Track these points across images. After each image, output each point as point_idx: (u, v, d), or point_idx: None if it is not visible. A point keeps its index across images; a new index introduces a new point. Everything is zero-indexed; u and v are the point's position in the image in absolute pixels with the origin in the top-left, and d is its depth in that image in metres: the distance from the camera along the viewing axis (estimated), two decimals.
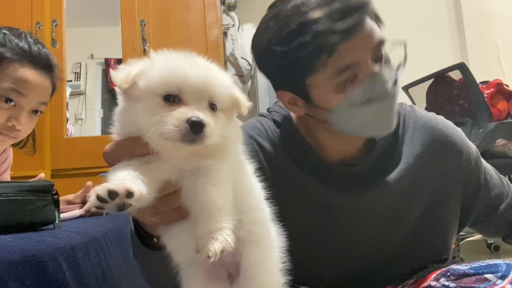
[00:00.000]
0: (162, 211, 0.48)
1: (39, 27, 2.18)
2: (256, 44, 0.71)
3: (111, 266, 0.83)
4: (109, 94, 3.14)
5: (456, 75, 2.44)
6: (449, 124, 0.82)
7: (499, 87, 2.44)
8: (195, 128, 0.42)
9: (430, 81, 2.62)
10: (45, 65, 0.93)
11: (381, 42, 0.67)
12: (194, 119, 0.42)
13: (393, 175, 0.75)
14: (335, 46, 0.62)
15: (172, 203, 0.48)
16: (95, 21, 2.97)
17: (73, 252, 0.65)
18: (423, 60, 3.11)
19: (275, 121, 0.79)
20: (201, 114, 0.43)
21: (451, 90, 2.52)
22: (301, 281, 0.79)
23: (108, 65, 3.15)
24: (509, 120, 2.40)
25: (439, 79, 2.58)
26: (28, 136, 1.06)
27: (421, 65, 2.90)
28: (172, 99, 0.44)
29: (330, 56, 0.62)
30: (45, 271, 0.54)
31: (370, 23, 0.66)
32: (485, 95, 2.39)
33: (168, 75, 0.45)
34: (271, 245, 0.52)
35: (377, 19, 0.69)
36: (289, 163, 0.75)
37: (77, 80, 3.08)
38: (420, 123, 0.79)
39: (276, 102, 0.83)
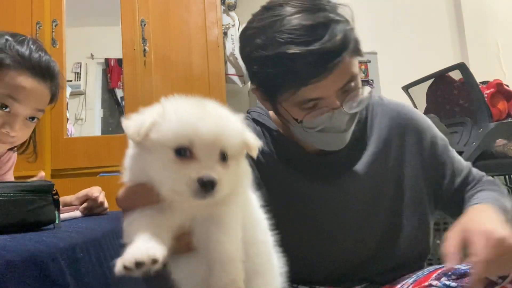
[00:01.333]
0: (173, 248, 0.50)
1: (39, 27, 2.18)
2: (241, 45, 0.75)
3: (111, 266, 0.83)
4: (109, 94, 3.14)
5: (456, 75, 2.44)
6: (416, 111, 0.88)
7: (499, 87, 2.44)
8: (206, 188, 0.43)
9: (430, 81, 2.62)
10: (45, 73, 0.93)
11: (351, 79, 0.69)
12: (205, 179, 0.43)
13: (364, 160, 0.80)
14: (303, 85, 0.65)
15: (183, 243, 0.50)
16: (95, 21, 2.97)
17: (73, 252, 0.65)
18: (423, 60, 3.11)
19: (254, 120, 0.84)
20: (213, 172, 0.44)
21: (451, 90, 2.52)
22: (293, 278, 0.80)
23: (108, 65, 3.15)
24: (509, 120, 2.40)
25: (439, 79, 2.58)
26: (29, 142, 1.05)
27: (421, 65, 2.91)
28: (183, 152, 0.45)
29: (298, 90, 0.66)
30: (45, 271, 0.54)
31: (346, 62, 0.67)
32: (485, 95, 2.39)
33: (179, 129, 0.46)
34: (274, 274, 0.55)
35: (358, 53, 0.70)
36: (270, 157, 0.80)
37: (77, 80, 3.07)
38: (387, 110, 0.84)
39: (254, 107, 0.90)
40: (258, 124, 0.84)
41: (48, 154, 2.09)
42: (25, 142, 1.03)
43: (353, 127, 0.75)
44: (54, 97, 1.01)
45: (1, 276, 0.46)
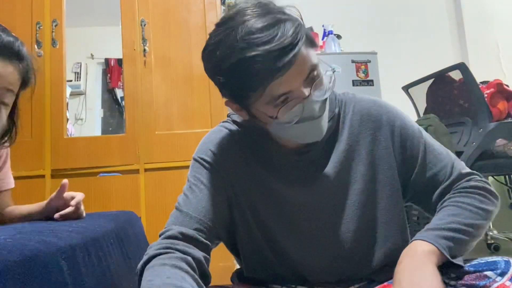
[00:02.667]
0: None
1: (39, 27, 2.18)
2: (204, 63, 0.79)
3: (111, 266, 0.83)
4: (109, 94, 3.14)
5: (456, 75, 2.44)
6: (388, 105, 0.90)
7: (499, 87, 2.44)
8: None
9: (430, 81, 2.62)
10: (7, 53, 0.91)
11: (313, 68, 0.73)
12: None
13: (335, 157, 0.83)
14: (269, 82, 0.68)
15: None
16: (95, 21, 2.97)
17: (73, 252, 0.65)
18: (423, 60, 3.11)
19: (234, 122, 0.88)
20: None
21: (451, 90, 2.52)
22: (290, 279, 0.82)
23: (108, 65, 3.15)
24: (509, 120, 2.40)
25: (439, 79, 2.58)
26: (11, 130, 1.00)
27: (421, 65, 2.91)
28: None
29: (265, 89, 0.69)
30: (45, 271, 0.54)
31: (303, 53, 0.70)
32: (485, 95, 2.39)
33: None
34: None
35: (312, 45, 0.74)
36: (250, 159, 0.83)
37: (77, 80, 3.08)
38: (358, 107, 0.87)
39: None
40: (237, 125, 0.88)
41: (48, 154, 2.09)
42: (7, 132, 0.98)
43: (326, 113, 0.78)
44: (26, 80, 0.98)
45: (1, 276, 0.45)
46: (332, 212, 0.82)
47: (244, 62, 0.68)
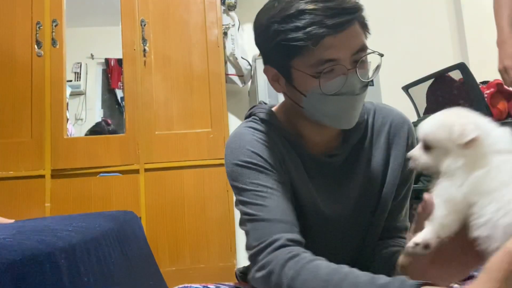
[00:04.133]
0: None
1: (39, 27, 2.18)
2: (258, 20, 0.79)
3: (110, 266, 0.83)
4: (109, 94, 3.14)
5: (456, 75, 2.44)
6: (403, 116, 0.93)
7: (499, 87, 2.44)
8: None
9: (430, 81, 2.62)
10: None
11: (362, 48, 0.74)
12: None
13: (363, 166, 0.85)
14: (321, 39, 0.69)
15: None
16: (95, 21, 2.97)
17: (73, 252, 0.65)
18: (423, 60, 3.11)
19: (262, 120, 0.85)
20: None
21: (451, 90, 2.52)
22: None
23: (108, 65, 3.15)
24: (509, 120, 2.40)
25: (439, 79, 2.58)
26: None
27: (421, 65, 2.91)
28: None
29: (315, 46, 0.70)
30: (44, 270, 0.54)
31: (357, 28, 0.73)
32: (485, 95, 2.39)
33: None
34: None
35: (365, 29, 0.76)
36: (286, 159, 0.82)
37: (77, 80, 3.07)
38: (388, 117, 0.90)
39: (257, 105, 0.91)
40: (266, 124, 0.84)
41: (48, 154, 2.09)
42: None
43: (362, 103, 0.79)
44: None
45: (1, 275, 0.46)
46: (347, 216, 0.84)
47: (302, 13, 0.69)
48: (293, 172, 0.81)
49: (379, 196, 0.85)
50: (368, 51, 0.76)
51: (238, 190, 0.77)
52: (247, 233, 0.74)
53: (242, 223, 0.76)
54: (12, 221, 1.12)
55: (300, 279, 0.61)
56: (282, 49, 0.74)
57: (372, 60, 0.79)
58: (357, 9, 0.72)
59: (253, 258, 0.70)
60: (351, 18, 0.70)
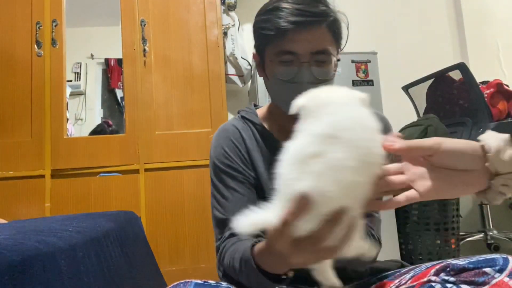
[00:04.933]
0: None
1: (39, 27, 2.18)
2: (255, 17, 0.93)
3: (111, 266, 0.83)
4: (109, 94, 3.14)
5: (456, 75, 2.45)
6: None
7: (499, 87, 2.44)
8: None
9: (430, 81, 2.62)
10: None
11: (323, 51, 0.85)
12: None
13: None
14: (284, 32, 0.82)
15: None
16: (95, 21, 2.97)
17: (73, 252, 0.65)
18: (423, 60, 3.11)
19: (242, 117, 0.99)
20: None
21: (451, 90, 2.53)
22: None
23: (108, 65, 3.15)
24: (509, 120, 2.40)
25: (439, 79, 2.58)
26: None
27: (421, 65, 2.91)
28: None
29: (280, 38, 0.84)
30: (45, 271, 0.54)
31: (323, 32, 0.84)
32: (485, 95, 2.39)
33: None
34: None
35: (337, 37, 0.87)
36: (254, 146, 0.94)
37: (77, 80, 3.07)
38: None
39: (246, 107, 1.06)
40: (245, 120, 0.99)
41: (48, 154, 2.09)
42: None
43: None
44: None
45: (1, 275, 0.46)
46: None
47: (276, 9, 0.84)
48: (259, 162, 0.92)
49: None
50: (332, 62, 0.86)
51: (212, 184, 0.97)
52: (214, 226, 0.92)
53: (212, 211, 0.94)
54: (4, 221, 1.12)
55: (225, 259, 0.82)
56: (259, 38, 0.89)
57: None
58: (325, 15, 0.83)
59: (217, 249, 0.88)
60: (315, 21, 0.82)
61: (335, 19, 0.86)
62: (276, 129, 0.97)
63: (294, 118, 0.89)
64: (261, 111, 1.03)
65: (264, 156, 0.94)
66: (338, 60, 0.92)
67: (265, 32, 0.86)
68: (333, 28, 0.85)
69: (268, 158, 0.93)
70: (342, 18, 0.90)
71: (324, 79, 0.87)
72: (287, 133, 0.92)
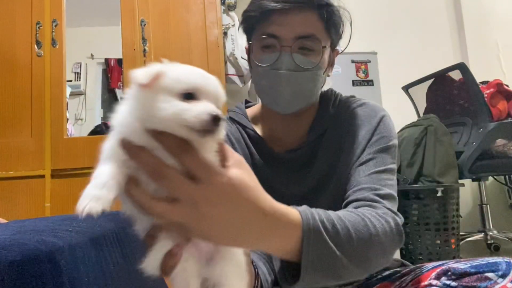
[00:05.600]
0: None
1: (39, 27, 2.18)
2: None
3: (111, 266, 0.83)
4: (109, 94, 3.14)
5: (456, 75, 2.45)
6: (369, 109, 0.87)
7: (499, 87, 2.44)
8: (215, 122, 0.44)
9: (430, 81, 2.63)
10: None
11: (309, 36, 0.78)
12: (214, 113, 0.44)
13: (325, 156, 0.85)
14: (268, 13, 0.78)
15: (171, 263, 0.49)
16: (95, 21, 2.97)
17: (73, 252, 0.65)
18: (423, 60, 3.11)
19: (230, 118, 0.93)
20: (218, 109, 0.46)
21: (451, 90, 2.53)
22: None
23: (108, 65, 3.15)
24: (509, 120, 2.40)
25: (439, 79, 2.58)
26: None
27: (421, 65, 2.91)
28: (190, 97, 0.47)
29: (264, 21, 0.79)
30: (44, 271, 0.54)
31: (311, 17, 0.78)
32: (485, 95, 2.39)
33: (187, 76, 0.50)
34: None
35: (329, 24, 0.81)
36: (244, 152, 0.88)
37: (77, 80, 3.07)
38: (348, 111, 0.88)
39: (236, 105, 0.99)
40: (234, 122, 0.92)
41: (48, 154, 2.09)
42: None
43: (302, 83, 0.81)
44: None
45: (1, 275, 0.46)
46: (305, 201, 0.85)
47: None
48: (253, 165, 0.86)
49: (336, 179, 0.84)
50: (321, 51, 0.80)
51: None
52: None
53: None
54: (4, 220, 1.12)
55: None
56: (246, 22, 0.85)
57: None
58: (314, 2, 0.77)
59: None
60: (303, 3, 0.77)
61: (328, 5, 0.80)
62: (268, 134, 0.90)
63: (285, 120, 0.85)
64: (252, 111, 0.96)
65: (256, 166, 0.87)
66: (334, 52, 0.85)
67: (250, 14, 0.81)
68: (324, 14, 0.79)
69: (261, 168, 0.86)
70: (344, 14, 0.84)
71: (306, 68, 0.80)
72: (280, 140, 0.88)
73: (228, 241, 0.50)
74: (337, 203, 0.80)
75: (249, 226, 0.49)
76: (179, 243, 0.48)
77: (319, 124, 0.88)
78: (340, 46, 0.91)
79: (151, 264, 0.50)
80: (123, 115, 0.50)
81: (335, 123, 0.87)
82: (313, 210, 0.60)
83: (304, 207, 0.59)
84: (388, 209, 0.71)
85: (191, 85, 0.48)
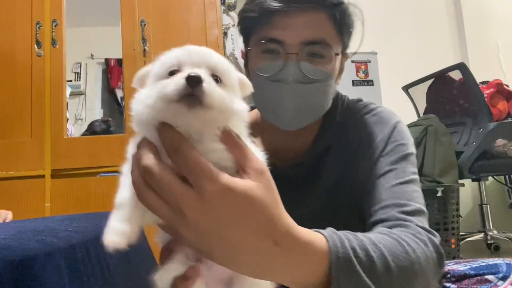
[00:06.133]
0: None
1: (39, 27, 2.18)
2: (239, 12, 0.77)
3: (111, 266, 0.83)
4: (109, 94, 3.14)
5: (456, 75, 2.45)
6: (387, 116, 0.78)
7: (499, 87, 2.44)
8: (192, 82, 0.38)
9: (430, 81, 2.63)
10: None
11: (319, 41, 0.67)
12: (191, 74, 0.39)
13: (331, 172, 0.76)
14: (271, 15, 0.66)
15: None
16: (95, 21, 2.97)
17: (73, 252, 0.65)
18: (423, 60, 3.11)
19: None
20: (200, 72, 0.40)
21: (451, 90, 2.53)
22: None
23: (108, 65, 3.15)
24: (509, 120, 2.40)
25: (439, 79, 2.58)
26: None
27: (421, 65, 2.91)
28: (173, 74, 0.43)
29: (265, 22, 0.67)
30: (44, 271, 0.54)
31: (320, 18, 0.67)
32: (485, 95, 2.39)
33: (169, 56, 0.44)
34: None
35: (341, 26, 0.70)
36: None
37: (77, 80, 3.07)
38: (357, 118, 0.78)
39: None
40: None
41: (48, 154, 2.09)
42: None
43: (308, 96, 0.70)
44: None
45: (1, 275, 0.46)
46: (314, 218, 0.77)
47: None
48: None
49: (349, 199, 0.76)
50: (333, 58, 0.68)
51: None
52: None
53: None
54: (9, 212, 1.12)
55: None
56: (243, 23, 0.73)
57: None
58: (323, 2, 0.67)
59: None
60: (309, 3, 0.65)
61: (340, 4, 0.68)
62: (268, 145, 0.80)
63: (288, 132, 0.72)
64: (251, 117, 0.78)
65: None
66: (344, 57, 0.74)
67: (249, 14, 0.69)
68: (336, 15, 0.68)
69: None
70: (356, 12, 0.73)
71: (316, 79, 0.68)
72: (281, 153, 0.77)
73: (227, 263, 0.42)
74: (351, 225, 0.71)
75: (253, 252, 0.41)
76: (195, 267, 0.44)
77: (325, 134, 0.78)
78: (350, 49, 0.81)
79: (162, 280, 0.46)
80: (136, 113, 0.47)
81: (342, 133, 0.78)
82: (341, 234, 0.49)
83: (330, 231, 0.49)
84: (421, 227, 0.61)
85: (173, 62, 0.43)
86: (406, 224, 0.61)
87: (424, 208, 0.67)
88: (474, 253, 2.52)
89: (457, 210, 2.18)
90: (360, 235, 0.52)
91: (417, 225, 0.61)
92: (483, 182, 2.71)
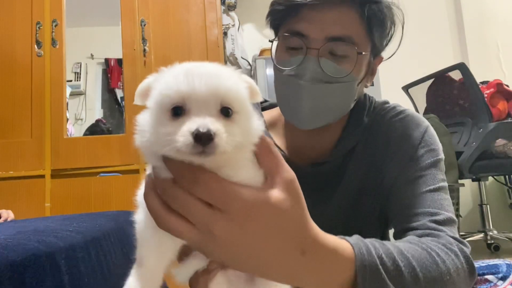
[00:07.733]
0: None
1: (39, 27, 2.17)
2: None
3: (111, 266, 0.83)
4: (109, 94, 3.14)
5: (456, 75, 2.45)
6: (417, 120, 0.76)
7: (499, 87, 2.44)
8: (202, 141, 0.35)
9: (430, 81, 2.63)
10: None
11: (343, 38, 0.65)
12: (200, 129, 0.35)
13: (356, 173, 0.74)
14: (297, 8, 0.65)
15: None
16: (95, 21, 2.97)
17: (73, 252, 0.65)
18: (423, 60, 3.11)
19: None
20: (209, 122, 0.37)
21: (451, 90, 2.53)
22: None
23: (108, 65, 3.15)
24: (509, 120, 2.40)
25: (439, 79, 2.58)
26: None
27: (421, 65, 2.91)
28: (180, 111, 0.39)
29: (291, 16, 0.66)
30: (45, 271, 0.54)
31: (348, 15, 0.65)
32: (485, 95, 2.39)
33: (171, 87, 0.41)
34: None
35: (373, 25, 0.67)
36: None
37: (77, 80, 3.07)
38: (385, 121, 0.76)
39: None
40: None
41: (48, 154, 2.09)
42: None
43: (327, 95, 0.68)
44: None
45: (1, 276, 0.46)
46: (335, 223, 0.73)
47: None
48: None
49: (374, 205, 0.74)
50: (357, 59, 0.65)
51: None
52: None
53: None
54: (10, 212, 1.12)
55: None
56: (271, 16, 0.72)
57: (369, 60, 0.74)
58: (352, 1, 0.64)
59: None
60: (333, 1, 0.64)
61: (374, 2, 0.66)
62: (289, 143, 0.78)
63: (309, 131, 0.70)
64: (270, 115, 0.82)
65: None
66: (377, 59, 0.70)
67: (276, 7, 0.68)
68: (366, 11, 0.65)
69: None
70: (395, 13, 0.70)
71: (335, 78, 0.65)
72: (302, 151, 0.75)
73: (256, 274, 0.43)
74: (374, 231, 0.71)
75: (282, 263, 0.41)
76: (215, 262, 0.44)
77: (350, 135, 0.76)
78: (386, 52, 0.77)
79: (182, 274, 0.46)
80: (141, 145, 0.44)
81: (369, 134, 0.75)
82: (368, 241, 0.49)
83: (356, 238, 0.49)
84: (453, 237, 0.60)
85: (175, 98, 0.39)
86: (437, 233, 0.60)
87: (454, 217, 0.65)
88: (474, 253, 2.51)
89: (457, 210, 2.18)
90: (387, 243, 0.51)
91: (448, 235, 0.60)
92: (483, 182, 2.71)
